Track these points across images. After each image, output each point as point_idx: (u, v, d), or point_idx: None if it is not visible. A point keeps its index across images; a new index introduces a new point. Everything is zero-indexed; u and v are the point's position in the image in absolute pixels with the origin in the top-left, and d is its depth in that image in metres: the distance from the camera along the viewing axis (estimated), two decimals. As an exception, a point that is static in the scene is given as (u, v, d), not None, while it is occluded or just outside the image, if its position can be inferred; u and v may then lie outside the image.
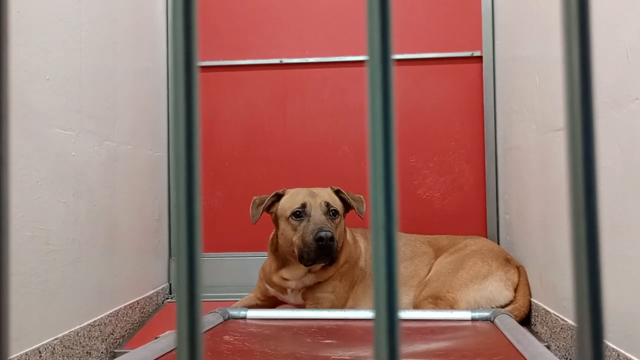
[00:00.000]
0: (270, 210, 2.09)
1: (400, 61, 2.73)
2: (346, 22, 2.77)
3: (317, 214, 1.95)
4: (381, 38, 0.29)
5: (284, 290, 2.11)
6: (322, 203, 1.97)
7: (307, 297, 2.07)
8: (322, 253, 1.88)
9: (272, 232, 2.14)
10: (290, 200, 2.01)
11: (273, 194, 2.06)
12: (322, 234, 1.86)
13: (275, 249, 2.10)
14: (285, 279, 2.06)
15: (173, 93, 0.28)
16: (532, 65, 2.10)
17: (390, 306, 0.23)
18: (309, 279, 2.05)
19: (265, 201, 2.03)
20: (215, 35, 2.80)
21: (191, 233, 0.27)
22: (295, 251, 1.95)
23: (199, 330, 0.26)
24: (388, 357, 0.21)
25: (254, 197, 2.09)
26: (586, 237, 0.25)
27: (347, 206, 2.10)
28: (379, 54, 0.29)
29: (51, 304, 1.65)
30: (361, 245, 2.22)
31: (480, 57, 2.70)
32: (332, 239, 1.87)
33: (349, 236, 2.16)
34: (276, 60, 2.78)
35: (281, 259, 2.08)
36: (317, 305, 2.03)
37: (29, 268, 1.54)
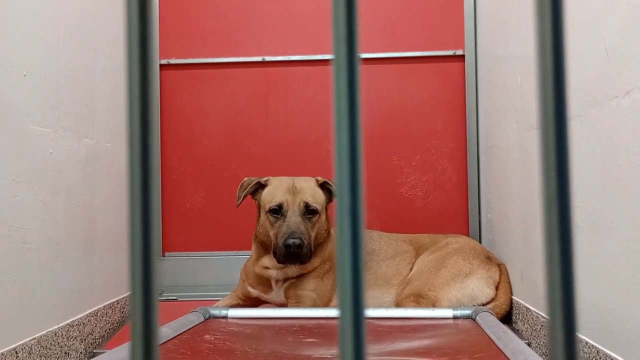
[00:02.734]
0: (255, 197, 2.11)
1: (383, 60, 2.73)
2: (329, 20, 2.76)
3: (292, 216, 1.96)
4: (347, 35, 0.28)
5: (267, 286, 2.10)
6: (301, 203, 1.98)
7: (290, 294, 2.06)
8: (292, 257, 1.91)
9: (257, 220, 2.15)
10: (271, 193, 2.03)
11: (255, 181, 2.08)
12: (291, 241, 1.88)
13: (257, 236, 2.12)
14: (267, 268, 2.06)
15: (128, 92, 0.27)
16: (513, 64, 2.11)
17: (355, 295, 0.22)
18: (292, 270, 2.05)
19: (248, 188, 2.06)
20: (197, 33, 2.78)
21: (147, 235, 0.26)
22: (272, 245, 1.99)
23: (155, 342, 0.25)
24: (354, 354, 0.20)
25: (244, 178, 2.11)
26: (558, 228, 0.24)
27: (332, 196, 2.10)
28: (345, 51, 0.28)
29: (28, 303, 1.62)
30: None
31: (463, 56, 2.71)
32: (300, 245, 1.89)
33: (334, 231, 2.16)
34: (259, 58, 2.76)
35: (263, 247, 2.09)
36: (299, 304, 2.02)
37: (4, 267, 1.51)
